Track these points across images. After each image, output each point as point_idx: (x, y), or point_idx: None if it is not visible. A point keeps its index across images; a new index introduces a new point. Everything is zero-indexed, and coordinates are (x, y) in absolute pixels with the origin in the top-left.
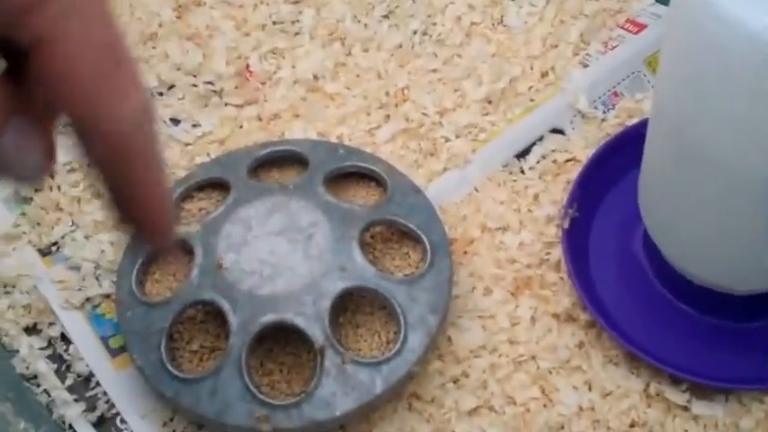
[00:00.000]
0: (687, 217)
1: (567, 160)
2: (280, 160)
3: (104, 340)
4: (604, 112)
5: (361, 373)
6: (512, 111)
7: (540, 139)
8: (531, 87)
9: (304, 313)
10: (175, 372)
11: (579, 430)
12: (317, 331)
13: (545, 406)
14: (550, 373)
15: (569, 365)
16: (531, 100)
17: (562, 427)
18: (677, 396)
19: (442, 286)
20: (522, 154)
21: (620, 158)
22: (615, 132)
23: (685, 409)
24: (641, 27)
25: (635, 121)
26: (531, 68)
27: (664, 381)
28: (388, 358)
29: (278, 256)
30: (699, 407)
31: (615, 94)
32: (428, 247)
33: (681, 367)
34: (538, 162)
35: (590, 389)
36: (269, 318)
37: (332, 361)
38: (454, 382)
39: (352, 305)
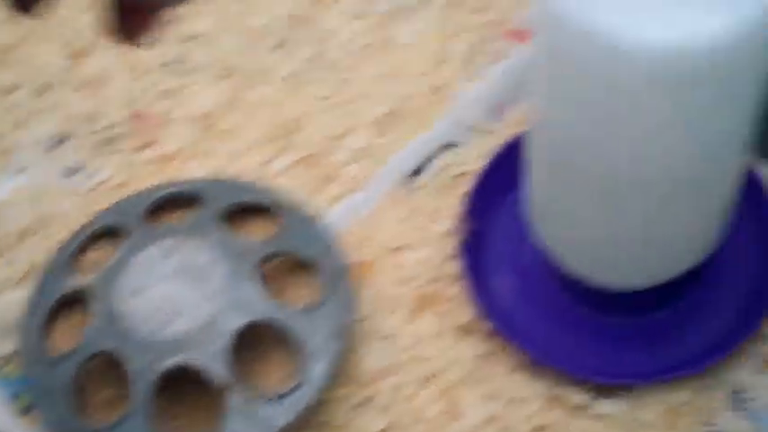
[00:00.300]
0: (567, 220)
1: (462, 173)
2: (176, 201)
3: (11, 401)
4: (494, 124)
5: (266, 408)
6: (405, 130)
7: (434, 155)
8: (422, 105)
9: (204, 354)
10: (82, 425)
11: None
12: (218, 370)
13: (452, 419)
14: (456, 386)
15: (474, 377)
16: (423, 118)
17: None
18: (580, 397)
19: (342, 312)
20: (418, 171)
21: (511, 168)
22: (505, 142)
23: (587, 408)
24: (525, 37)
25: (525, 129)
26: (421, 86)
27: (566, 382)
28: (291, 390)
29: (175, 298)
30: (601, 405)
31: (504, 105)
32: (326, 274)
33: (581, 368)
34: (433, 178)
35: (495, 398)
36: (169, 362)
37: (236, 398)
38: (362, 406)
39: (255, 340)
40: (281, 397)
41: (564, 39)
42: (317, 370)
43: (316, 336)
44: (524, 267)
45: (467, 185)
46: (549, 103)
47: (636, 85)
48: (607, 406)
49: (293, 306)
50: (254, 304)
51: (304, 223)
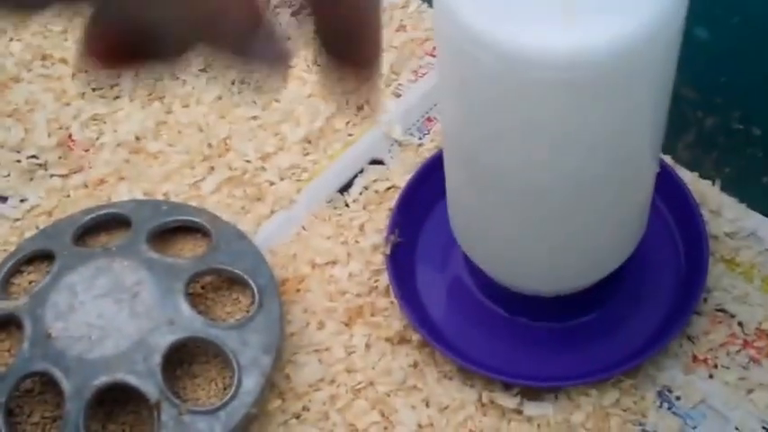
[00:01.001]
0: (488, 228)
1: (389, 188)
2: (106, 224)
3: None
4: (420, 138)
5: (200, 422)
6: (331, 147)
7: (362, 171)
8: (348, 122)
9: (136, 371)
10: None
11: None
12: (150, 387)
13: (386, 428)
14: (389, 395)
15: (406, 386)
16: (350, 134)
17: None
18: (509, 401)
19: (272, 326)
20: (345, 188)
21: (435, 181)
22: (429, 156)
23: (518, 412)
24: None
25: None
26: (347, 104)
27: (496, 388)
28: (224, 403)
29: (105, 318)
30: (530, 408)
31: (429, 119)
32: (255, 290)
33: (509, 373)
34: (360, 194)
35: (427, 405)
36: (101, 380)
37: (169, 414)
38: (296, 418)
39: (187, 357)
40: (216, 410)
41: (463, 48)
42: (250, 383)
43: (247, 350)
44: (451, 276)
45: (393, 200)
46: (455, 111)
47: (537, 91)
48: (538, 409)
49: (224, 322)
50: (184, 321)
51: (233, 241)
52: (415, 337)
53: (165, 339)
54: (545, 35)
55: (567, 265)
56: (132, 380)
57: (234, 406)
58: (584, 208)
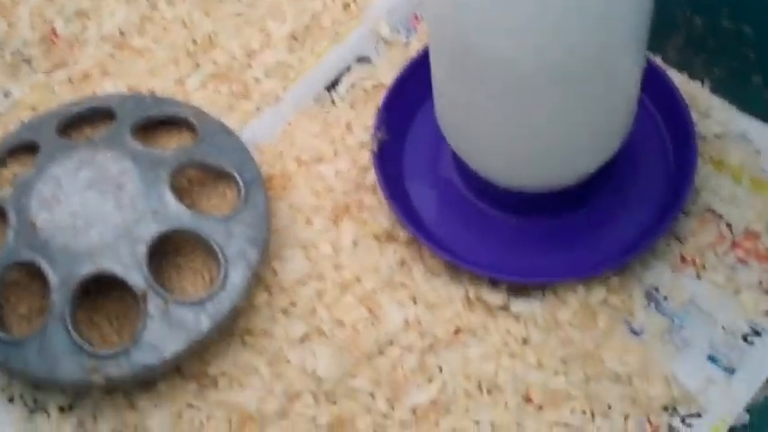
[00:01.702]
0: (474, 120)
1: (376, 86)
2: (90, 117)
3: None
4: (407, 37)
5: (186, 314)
6: (318, 45)
7: (348, 69)
8: (334, 20)
9: (121, 261)
10: (2, 336)
11: (407, 343)
12: (136, 277)
13: (373, 324)
14: (375, 292)
15: (393, 282)
16: (336, 32)
17: (391, 343)
18: (496, 298)
19: (259, 220)
20: (332, 85)
21: (423, 78)
22: (416, 54)
23: (505, 308)
24: None
25: None
26: (333, 1)
27: (483, 285)
28: (211, 295)
29: (89, 208)
30: (517, 305)
31: (416, 17)
32: (241, 184)
33: (496, 269)
34: (347, 92)
35: (414, 302)
36: (86, 270)
37: (155, 305)
38: (283, 313)
39: (172, 249)
40: (202, 302)
41: None
42: (237, 276)
43: (233, 243)
44: (439, 174)
45: (380, 98)
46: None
47: None
48: (525, 305)
49: (210, 214)
50: (170, 213)
51: (219, 135)
52: (403, 234)
53: (150, 230)
54: None
55: (552, 159)
56: (118, 270)
57: (221, 298)
58: (571, 98)
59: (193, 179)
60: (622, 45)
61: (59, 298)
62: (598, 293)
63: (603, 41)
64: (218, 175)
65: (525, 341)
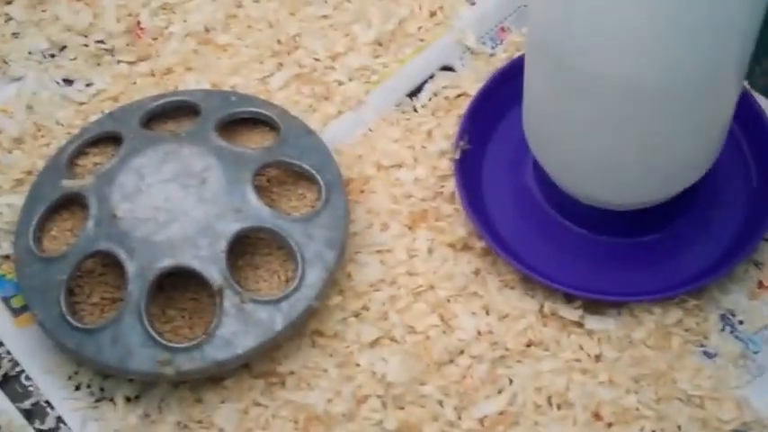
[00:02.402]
0: (566, 134)
1: (459, 96)
2: (173, 111)
3: (6, 300)
4: (493, 48)
5: (261, 312)
6: (402, 51)
7: (431, 77)
8: (420, 27)
9: (200, 256)
10: (76, 324)
11: (478, 353)
12: (214, 273)
13: (444, 332)
14: (449, 301)
15: (467, 292)
16: (421, 40)
17: (461, 352)
18: (571, 313)
19: (337, 223)
20: (415, 93)
21: (508, 90)
22: (503, 65)
23: (579, 325)
24: None
25: (523, 53)
26: (420, 8)
27: (558, 300)
28: (287, 295)
29: (172, 202)
30: (592, 322)
31: (503, 29)
32: (322, 185)
33: (573, 285)
34: (430, 99)
35: (487, 313)
36: (165, 263)
37: (231, 301)
38: (355, 316)
39: (250, 247)
40: (278, 301)
41: None
42: (313, 277)
43: (311, 244)
44: (518, 186)
45: (463, 108)
46: (544, 8)
47: None
48: (600, 323)
49: (290, 215)
50: (251, 211)
51: (301, 136)
52: (479, 244)
53: (231, 226)
54: None
55: (640, 178)
56: (196, 264)
57: (296, 298)
58: (669, 118)
59: (274, 178)
60: (727, 65)
61: (136, 289)
62: (674, 315)
63: (709, 62)
64: (299, 176)
65: (598, 358)
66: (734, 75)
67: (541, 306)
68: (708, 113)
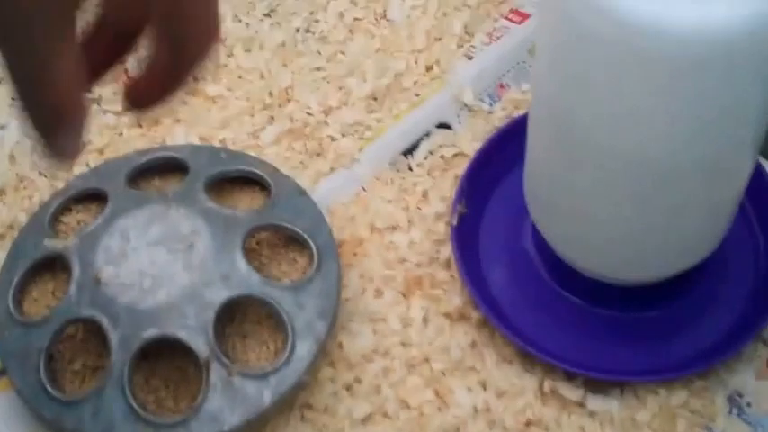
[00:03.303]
0: (569, 205)
1: (455, 155)
2: (160, 167)
3: None
4: (491, 105)
5: (249, 386)
6: (397, 107)
7: (427, 134)
8: (416, 82)
9: (187, 326)
10: (55, 393)
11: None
12: (201, 344)
13: (439, 409)
14: (444, 374)
15: (463, 366)
16: (417, 95)
17: (457, 430)
18: (572, 392)
19: (329, 291)
20: (410, 150)
21: (506, 152)
22: (502, 125)
23: (581, 405)
24: (525, 17)
25: (521, 112)
26: (416, 63)
27: (558, 377)
28: (275, 368)
29: (158, 266)
30: (594, 402)
31: (501, 85)
32: (315, 251)
33: (574, 362)
34: (425, 158)
35: (484, 389)
36: (150, 332)
37: (218, 374)
38: (347, 389)
39: (238, 315)
40: (266, 375)
41: (577, 11)
42: (303, 349)
43: (302, 314)
44: (518, 254)
45: (460, 167)
46: (553, 79)
47: (655, 64)
48: (602, 403)
49: (280, 282)
50: (240, 278)
51: (293, 197)
52: (475, 314)
53: (219, 295)
54: (675, 6)
55: (648, 253)
56: (183, 335)
57: (286, 372)
58: (678, 192)
59: (264, 241)
60: (742, 145)
61: (119, 359)
62: (679, 396)
63: (723, 143)
64: (291, 239)
65: None
66: (749, 153)
67: (541, 383)
68: (719, 192)
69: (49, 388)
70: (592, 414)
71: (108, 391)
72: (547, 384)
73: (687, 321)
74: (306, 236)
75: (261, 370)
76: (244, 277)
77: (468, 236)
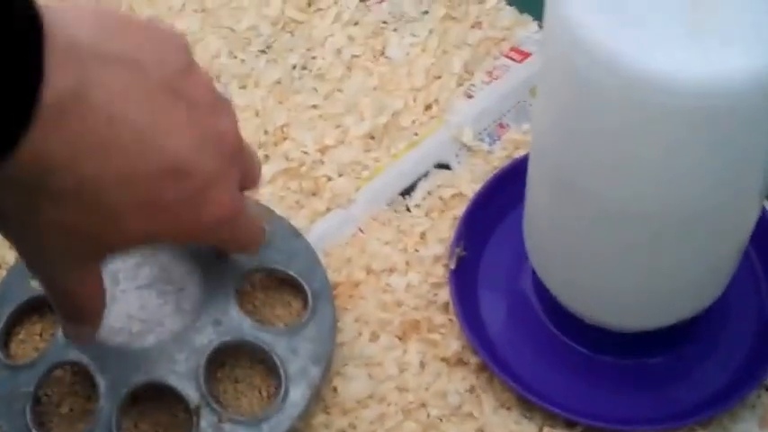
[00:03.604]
0: (570, 253)
1: (454, 195)
2: None
3: None
4: (490, 145)
5: None
6: (395, 146)
7: (426, 174)
8: (414, 121)
9: (176, 371)
10: None
11: None
12: (190, 390)
13: None
14: (441, 420)
15: (460, 412)
16: (415, 134)
17: None
18: None
19: (324, 335)
20: (408, 191)
21: (506, 193)
22: (502, 165)
23: None
24: (525, 55)
25: (522, 152)
26: (414, 101)
27: (558, 424)
28: (268, 415)
29: (148, 310)
30: None
31: (501, 125)
32: (309, 294)
33: (574, 410)
34: (423, 199)
35: None
36: (140, 378)
37: (208, 421)
38: None
39: (230, 359)
40: (259, 422)
41: (583, 67)
42: (297, 395)
43: (296, 359)
44: (518, 299)
45: (459, 208)
46: (555, 129)
47: (661, 119)
48: None
49: (273, 326)
50: (232, 323)
51: (287, 238)
52: (474, 359)
53: (210, 340)
54: (679, 59)
55: (651, 301)
56: (173, 380)
57: (278, 419)
58: (682, 243)
59: (258, 283)
60: (751, 194)
61: (107, 404)
62: None
63: (731, 193)
64: (285, 282)
65: None
66: (756, 202)
67: (540, 430)
68: (724, 241)
69: None
70: None
71: None
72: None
73: (690, 368)
74: (300, 279)
75: (253, 416)
76: (236, 322)
77: (466, 279)
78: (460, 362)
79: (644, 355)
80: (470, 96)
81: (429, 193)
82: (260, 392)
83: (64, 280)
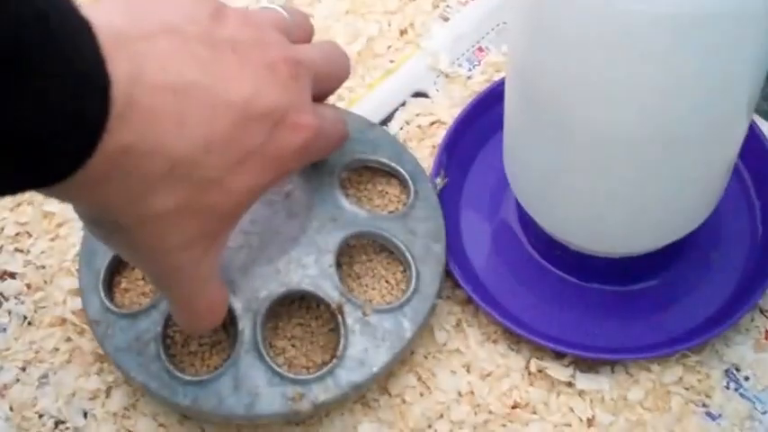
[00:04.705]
0: (552, 180)
1: (432, 123)
2: None
3: None
4: (469, 70)
5: (387, 321)
6: (370, 75)
7: (403, 103)
8: (389, 47)
9: (310, 275)
10: (187, 376)
11: (459, 417)
12: (329, 290)
13: (422, 395)
14: (426, 358)
15: (446, 348)
16: (391, 61)
17: (441, 416)
18: (560, 371)
19: (434, 213)
20: (385, 121)
21: (487, 118)
22: (481, 89)
23: (569, 384)
24: None
25: (502, 76)
26: (389, 25)
27: (546, 356)
28: (408, 298)
29: (261, 223)
30: (583, 381)
31: (480, 49)
32: (408, 177)
33: (562, 340)
34: (401, 128)
35: (468, 371)
36: (274, 289)
37: (353, 317)
38: None
39: (344, 257)
40: (401, 306)
41: None
42: (428, 274)
43: (417, 240)
44: (501, 228)
45: (438, 137)
46: (530, 48)
47: (641, 29)
48: (592, 382)
49: (387, 215)
50: (348, 216)
51: (365, 129)
52: (459, 293)
53: (333, 237)
54: None
55: (637, 225)
56: (308, 285)
57: (418, 299)
58: (668, 164)
59: (346, 180)
60: (735, 112)
61: (248, 325)
62: (673, 372)
63: (719, 112)
64: (375, 172)
65: (590, 422)
66: (744, 116)
67: (527, 363)
68: (713, 159)
69: (178, 373)
70: (581, 394)
71: (244, 360)
72: (533, 364)
73: (680, 293)
74: (394, 164)
75: (395, 303)
76: (351, 215)
77: (448, 209)
78: (445, 296)
79: (633, 280)
80: (446, 19)
81: (407, 122)
82: (386, 281)
83: (181, 295)
